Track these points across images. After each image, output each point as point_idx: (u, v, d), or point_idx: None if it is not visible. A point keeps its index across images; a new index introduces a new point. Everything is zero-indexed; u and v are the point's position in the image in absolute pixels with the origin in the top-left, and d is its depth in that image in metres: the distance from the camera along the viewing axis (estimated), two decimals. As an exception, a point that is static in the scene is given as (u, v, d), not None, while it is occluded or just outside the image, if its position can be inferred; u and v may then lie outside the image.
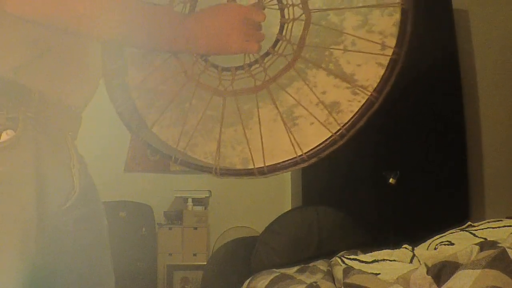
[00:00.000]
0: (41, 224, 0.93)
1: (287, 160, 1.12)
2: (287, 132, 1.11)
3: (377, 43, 1.08)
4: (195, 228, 3.81)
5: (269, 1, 1.09)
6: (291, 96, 1.12)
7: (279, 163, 1.12)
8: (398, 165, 3.22)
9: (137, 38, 0.99)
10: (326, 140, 1.10)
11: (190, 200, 3.85)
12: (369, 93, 1.07)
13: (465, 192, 3.57)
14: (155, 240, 3.80)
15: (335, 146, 1.10)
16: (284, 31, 1.09)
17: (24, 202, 0.91)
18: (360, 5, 1.09)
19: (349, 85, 1.09)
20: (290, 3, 1.09)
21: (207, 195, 3.90)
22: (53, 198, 0.97)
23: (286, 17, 1.09)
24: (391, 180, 3.09)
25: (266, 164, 1.12)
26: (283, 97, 1.13)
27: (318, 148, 1.10)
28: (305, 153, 1.10)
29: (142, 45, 1.06)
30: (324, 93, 1.11)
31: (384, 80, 1.07)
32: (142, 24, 0.97)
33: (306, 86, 1.11)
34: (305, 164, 1.11)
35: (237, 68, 1.12)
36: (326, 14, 1.10)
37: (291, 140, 1.11)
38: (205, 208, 3.89)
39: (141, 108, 1.17)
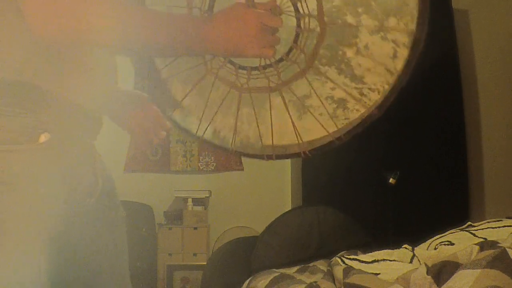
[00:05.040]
0: (68, 219, 1.01)
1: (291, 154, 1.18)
2: (296, 136, 1.16)
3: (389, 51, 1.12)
4: (195, 228, 3.80)
5: (286, 8, 1.11)
6: (308, 84, 1.16)
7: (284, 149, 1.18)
8: (398, 165, 3.22)
9: (155, 47, 1.03)
10: (326, 142, 1.17)
11: (190, 200, 3.85)
12: (372, 109, 1.13)
13: (465, 192, 3.57)
14: (155, 240, 3.80)
15: (332, 146, 1.16)
16: (299, 40, 1.12)
17: (55, 199, 0.99)
18: (378, 11, 1.10)
19: (357, 86, 1.13)
20: (307, 13, 1.11)
21: (207, 195, 3.90)
22: (79, 196, 1.05)
23: (302, 27, 1.12)
24: (391, 180, 3.09)
25: (275, 144, 1.19)
26: (296, 86, 1.17)
27: (318, 146, 1.17)
28: (309, 151, 1.17)
29: (161, 53, 1.11)
30: (333, 89, 1.15)
31: (387, 99, 1.13)
32: (160, 33, 1.00)
33: (317, 80, 1.16)
34: (308, 156, 1.19)
35: (252, 68, 1.16)
36: (343, 14, 1.11)
37: (296, 137, 1.16)
38: (205, 208, 3.89)
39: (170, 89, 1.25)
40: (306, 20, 1.11)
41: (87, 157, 1.09)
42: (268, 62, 1.15)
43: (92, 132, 1.12)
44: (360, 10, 1.10)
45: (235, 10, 1.05)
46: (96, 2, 0.95)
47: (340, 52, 1.14)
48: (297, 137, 1.17)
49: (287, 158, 1.19)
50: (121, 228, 1.19)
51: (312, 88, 1.15)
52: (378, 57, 1.12)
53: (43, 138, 0.96)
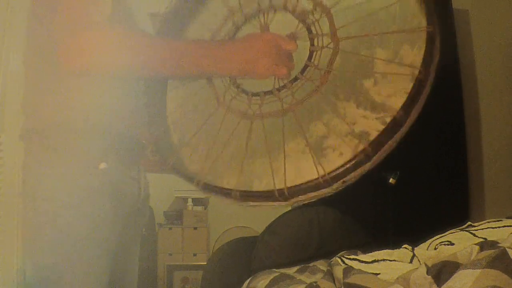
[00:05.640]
0: (117, 225, 1.20)
1: (308, 182, 1.13)
2: (314, 165, 1.12)
3: (407, 74, 1.11)
4: (195, 228, 3.81)
5: (300, 30, 1.13)
6: (322, 124, 1.14)
7: (300, 184, 1.13)
8: (398, 165, 3.22)
9: (164, 73, 1.07)
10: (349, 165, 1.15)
11: (190, 200, 3.85)
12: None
13: (465, 192, 3.57)
14: (155, 240, 3.80)
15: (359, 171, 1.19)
16: (313, 58, 1.13)
17: (106, 209, 1.15)
18: (392, 41, 1.12)
19: (378, 115, 1.11)
20: (320, 33, 1.12)
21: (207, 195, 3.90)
22: (126, 205, 1.21)
23: (315, 45, 1.13)
24: (391, 180, 3.09)
25: (287, 186, 1.12)
26: (313, 128, 1.15)
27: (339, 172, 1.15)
28: (328, 174, 1.13)
29: (168, 78, 1.21)
30: (353, 123, 1.12)
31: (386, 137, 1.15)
32: (169, 59, 1.03)
33: (336, 118, 1.13)
34: (329, 190, 1.16)
35: (266, 93, 1.16)
36: (357, 51, 1.12)
37: (317, 170, 1.12)
38: (205, 208, 3.89)
39: (173, 133, 1.29)
40: (320, 39, 1.12)
41: (134, 174, 1.23)
42: (282, 83, 1.14)
43: (139, 157, 1.24)
44: (374, 43, 1.12)
45: (251, 34, 1.08)
46: (115, 38, 1.00)
47: (358, 85, 1.13)
48: (317, 172, 1.11)
49: (302, 193, 1.14)
50: (140, 233, 1.36)
51: (331, 112, 1.13)
52: (397, 82, 1.11)
53: (102, 165, 1.13)
